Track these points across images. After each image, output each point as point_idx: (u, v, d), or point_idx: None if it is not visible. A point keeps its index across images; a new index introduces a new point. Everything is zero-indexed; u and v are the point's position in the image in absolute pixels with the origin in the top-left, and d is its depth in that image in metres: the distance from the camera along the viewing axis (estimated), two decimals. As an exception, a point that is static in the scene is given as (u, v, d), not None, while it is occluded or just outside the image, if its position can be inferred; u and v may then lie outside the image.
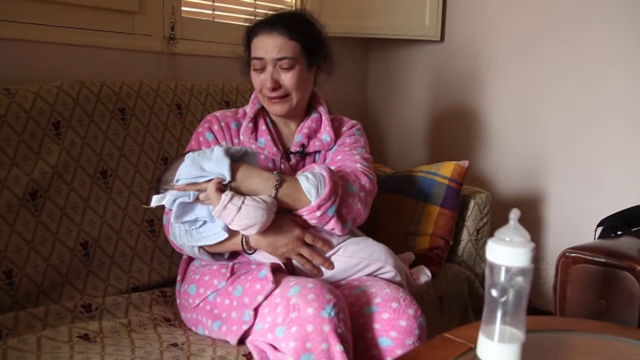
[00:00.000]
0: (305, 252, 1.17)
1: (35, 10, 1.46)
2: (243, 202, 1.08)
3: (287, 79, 1.27)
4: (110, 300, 1.27)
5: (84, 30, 1.55)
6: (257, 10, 2.00)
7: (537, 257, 2.08)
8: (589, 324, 0.98)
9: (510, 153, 2.16)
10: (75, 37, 1.54)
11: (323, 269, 1.19)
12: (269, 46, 1.25)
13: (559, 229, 2.06)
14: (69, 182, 1.32)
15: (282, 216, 1.17)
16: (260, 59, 1.26)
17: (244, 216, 1.08)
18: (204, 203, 1.13)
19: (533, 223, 2.09)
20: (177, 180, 1.14)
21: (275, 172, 1.17)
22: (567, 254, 1.23)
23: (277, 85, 1.26)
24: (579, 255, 1.21)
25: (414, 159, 2.42)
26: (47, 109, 1.31)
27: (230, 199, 1.08)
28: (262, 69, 1.27)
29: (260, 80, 1.27)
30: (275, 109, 1.30)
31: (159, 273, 1.43)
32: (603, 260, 1.19)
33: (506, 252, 0.67)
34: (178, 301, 1.29)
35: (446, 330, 0.87)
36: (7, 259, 1.19)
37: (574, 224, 1.99)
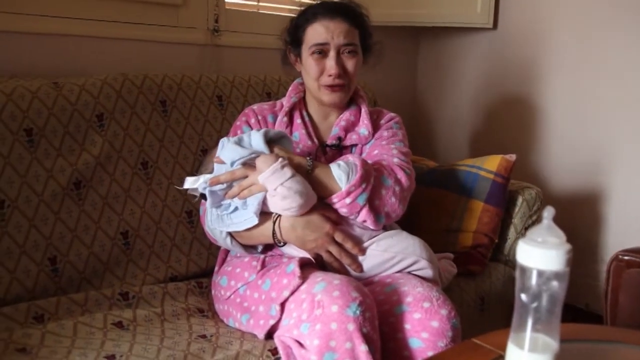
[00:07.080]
0: (334, 250, 1.14)
1: (81, 5, 1.50)
2: (296, 174, 1.08)
3: (351, 65, 1.25)
4: (147, 289, 1.29)
5: (129, 24, 1.59)
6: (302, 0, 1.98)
7: (596, 258, 1.95)
8: (640, 335, 0.90)
9: (567, 147, 2.04)
10: (120, 30, 1.57)
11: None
12: (334, 31, 1.22)
13: (621, 229, 1.93)
14: (111, 172, 1.35)
15: (313, 210, 1.14)
16: (323, 44, 1.23)
17: (294, 184, 1.07)
18: (239, 196, 1.13)
19: (591, 222, 1.96)
20: (233, 163, 1.12)
21: (307, 157, 1.15)
22: (620, 256, 1.14)
23: (343, 72, 1.24)
24: (633, 259, 1.12)
25: (463, 152, 2.34)
26: (92, 101, 1.35)
27: (286, 164, 1.08)
28: (324, 55, 1.24)
29: (322, 66, 1.24)
30: (334, 98, 1.26)
31: (197, 264, 1.44)
32: (662, 264, 1.10)
33: (538, 254, 0.62)
34: (213, 292, 1.29)
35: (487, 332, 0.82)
36: (52, 246, 1.24)
37: (638, 224, 1.85)
